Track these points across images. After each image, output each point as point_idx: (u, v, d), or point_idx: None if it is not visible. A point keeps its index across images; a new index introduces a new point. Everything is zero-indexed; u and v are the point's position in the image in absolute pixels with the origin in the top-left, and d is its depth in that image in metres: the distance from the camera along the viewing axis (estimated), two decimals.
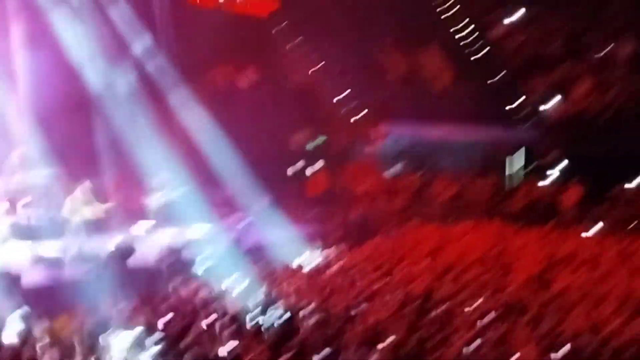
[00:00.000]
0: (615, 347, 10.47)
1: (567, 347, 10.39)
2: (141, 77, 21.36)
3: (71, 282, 14.43)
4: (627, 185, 21.30)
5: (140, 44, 21.52)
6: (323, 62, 25.96)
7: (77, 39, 20.09)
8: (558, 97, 24.66)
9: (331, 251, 17.22)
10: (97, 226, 17.50)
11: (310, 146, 24.28)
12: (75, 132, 21.47)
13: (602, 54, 25.35)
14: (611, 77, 24.49)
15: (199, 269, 15.49)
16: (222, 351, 10.02)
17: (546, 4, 26.45)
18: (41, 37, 20.04)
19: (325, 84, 25.64)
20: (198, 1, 24.84)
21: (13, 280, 14.11)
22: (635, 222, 20.00)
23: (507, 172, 24.23)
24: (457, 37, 27.52)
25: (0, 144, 19.69)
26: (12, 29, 20.11)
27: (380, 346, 10.30)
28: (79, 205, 16.41)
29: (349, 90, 25.13)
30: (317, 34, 26.73)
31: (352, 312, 12.09)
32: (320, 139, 24.42)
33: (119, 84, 20.78)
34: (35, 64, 20.47)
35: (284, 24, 26.54)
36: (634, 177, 21.20)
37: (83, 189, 16.58)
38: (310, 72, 25.91)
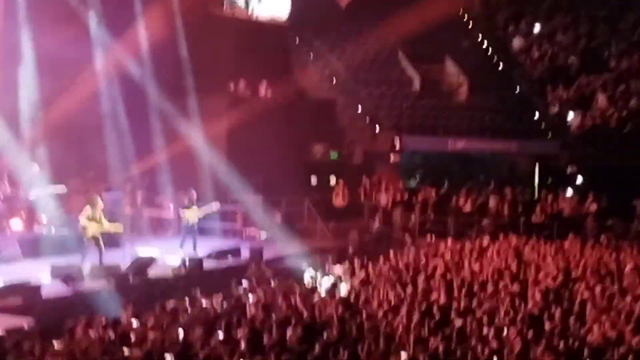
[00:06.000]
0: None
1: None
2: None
3: (90, 294, 14.39)
4: None
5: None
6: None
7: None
8: (578, 110, 24.58)
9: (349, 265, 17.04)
10: (115, 239, 17.47)
11: (329, 158, 24.20)
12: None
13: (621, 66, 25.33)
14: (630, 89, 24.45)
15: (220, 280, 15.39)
16: None
17: (564, 19, 26.51)
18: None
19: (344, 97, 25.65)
20: None
21: (33, 293, 14.10)
22: None
23: (526, 185, 24.09)
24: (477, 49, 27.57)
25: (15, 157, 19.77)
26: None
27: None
28: (97, 218, 16.35)
29: (368, 104, 25.06)
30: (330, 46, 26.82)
31: (373, 324, 12.00)
32: (336, 153, 24.32)
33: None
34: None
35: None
36: None
37: (101, 202, 16.55)
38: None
